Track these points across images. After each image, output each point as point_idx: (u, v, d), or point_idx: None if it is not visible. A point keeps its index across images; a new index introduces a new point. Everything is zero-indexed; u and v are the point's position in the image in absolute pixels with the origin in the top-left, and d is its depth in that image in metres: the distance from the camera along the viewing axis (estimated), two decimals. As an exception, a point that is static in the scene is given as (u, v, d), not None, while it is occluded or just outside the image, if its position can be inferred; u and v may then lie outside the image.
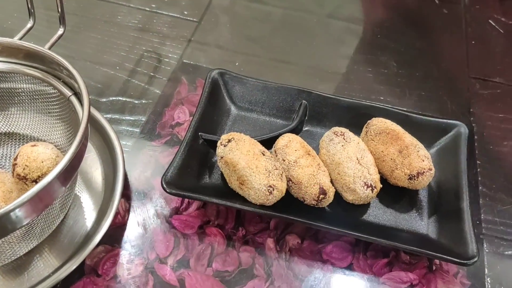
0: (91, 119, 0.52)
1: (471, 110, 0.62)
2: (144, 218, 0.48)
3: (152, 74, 0.63)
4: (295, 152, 0.47)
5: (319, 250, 0.47)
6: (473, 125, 0.60)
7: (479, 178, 0.54)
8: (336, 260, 0.47)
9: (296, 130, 0.54)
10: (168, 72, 0.63)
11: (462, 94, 0.64)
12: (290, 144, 0.48)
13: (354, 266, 0.46)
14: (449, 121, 0.54)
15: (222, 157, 0.47)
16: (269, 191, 0.44)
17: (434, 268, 0.47)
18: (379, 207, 0.49)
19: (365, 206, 0.49)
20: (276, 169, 0.45)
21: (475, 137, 0.59)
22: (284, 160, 0.47)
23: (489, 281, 0.46)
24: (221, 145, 0.47)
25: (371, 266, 0.47)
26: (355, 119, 0.53)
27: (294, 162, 0.46)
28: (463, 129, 0.53)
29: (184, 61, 0.65)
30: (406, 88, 0.64)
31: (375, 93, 0.63)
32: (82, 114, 0.40)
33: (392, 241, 0.44)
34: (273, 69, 0.65)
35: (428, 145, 0.52)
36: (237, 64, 0.65)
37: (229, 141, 0.47)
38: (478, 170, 0.55)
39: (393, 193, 0.49)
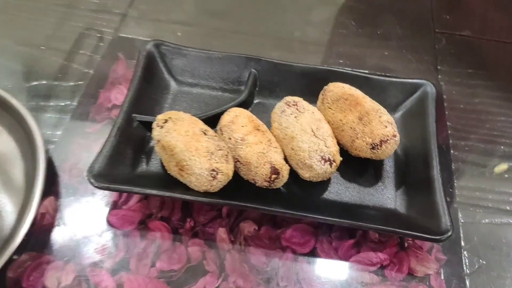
0: (9, 108, 0.45)
1: (438, 67, 0.57)
2: (76, 217, 0.42)
3: (83, 52, 0.55)
4: (242, 128, 0.41)
5: (278, 236, 0.42)
6: (441, 83, 0.55)
7: (450, 141, 0.50)
8: (297, 246, 0.42)
9: (245, 103, 0.48)
10: (102, 49, 0.56)
11: (428, 51, 0.59)
12: (237, 120, 0.42)
13: (317, 251, 0.41)
14: (414, 80, 0.49)
15: (158, 141, 0.41)
16: (212, 175, 0.38)
17: (406, 245, 0.42)
18: (340, 183, 0.43)
19: (324, 183, 0.43)
20: (220, 149, 0.39)
21: (444, 96, 0.54)
22: (230, 139, 0.41)
23: (466, 255, 0.42)
24: (157, 126, 0.41)
25: (336, 249, 0.42)
26: (310, 87, 0.48)
27: (241, 140, 0.40)
28: (430, 88, 0.48)
29: (121, 35, 0.58)
30: (367, 48, 0.58)
31: (332, 56, 0.57)
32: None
33: (356, 220, 0.39)
34: (220, 39, 0.59)
35: (392, 109, 0.48)
36: (179, 34, 0.58)
37: (166, 121, 0.41)
38: (449, 132, 0.50)
39: (355, 166, 0.44)
